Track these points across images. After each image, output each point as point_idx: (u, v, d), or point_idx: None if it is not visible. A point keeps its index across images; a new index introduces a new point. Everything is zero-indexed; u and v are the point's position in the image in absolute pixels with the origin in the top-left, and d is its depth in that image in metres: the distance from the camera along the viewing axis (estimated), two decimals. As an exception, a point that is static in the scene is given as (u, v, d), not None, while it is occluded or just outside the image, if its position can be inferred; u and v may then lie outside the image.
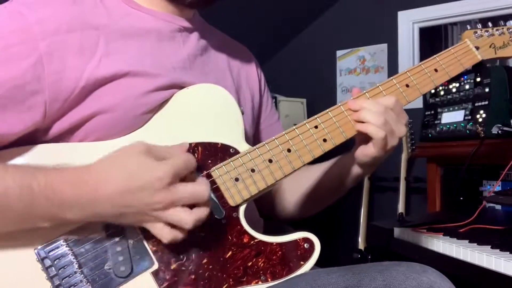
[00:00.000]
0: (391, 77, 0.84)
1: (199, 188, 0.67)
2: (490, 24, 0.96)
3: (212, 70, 0.87)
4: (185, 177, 0.68)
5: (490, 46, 0.94)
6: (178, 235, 0.67)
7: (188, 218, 0.66)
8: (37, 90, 0.69)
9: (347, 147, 0.86)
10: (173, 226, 0.67)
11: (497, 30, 0.95)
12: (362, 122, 0.79)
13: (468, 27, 0.95)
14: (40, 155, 0.72)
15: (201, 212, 0.67)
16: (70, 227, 0.69)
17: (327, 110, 0.81)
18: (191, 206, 0.67)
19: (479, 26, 0.96)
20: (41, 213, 0.65)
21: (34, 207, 0.65)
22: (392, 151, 0.81)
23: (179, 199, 0.65)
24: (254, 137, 0.96)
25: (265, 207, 0.98)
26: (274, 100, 2.48)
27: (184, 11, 0.84)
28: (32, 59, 0.69)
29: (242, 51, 0.99)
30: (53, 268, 0.67)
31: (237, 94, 0.91)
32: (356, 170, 0.87)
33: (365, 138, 0.79)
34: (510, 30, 0.95)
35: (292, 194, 0.99)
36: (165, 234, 0.67)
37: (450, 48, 0.90)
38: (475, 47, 0.92)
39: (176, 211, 0.66)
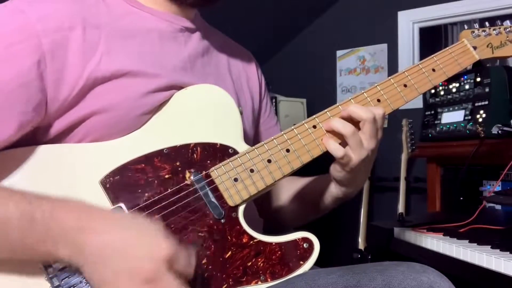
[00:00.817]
0: (389, 77, 0.84)
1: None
2: (487, 24, 0.96)
3: (213, 71, 0.87)
4: (177, 273, 0.64)
5: (487, 46, 0.94)
6: None
7: None
8: (40, 89, 0.69)
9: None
10: None
11: (494, 29, 0.95)
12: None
13: (466, 26, 0.96)
14: (41, 156, 0.71)
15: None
16: None
17: (326, 110, 0.81)
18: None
19: (477, 26, 0.96)
20: (35, 245, 0.63)
21: (29, 239, 0.62)
22: (366, 166, 0.80)
23: (161, 282, 0.61)
24: (254, 140, 0.96)
25: (262, 214, 0.98)
26: (274, 100, 2.48)
27: (186, 11, 0.84)
28: (35, 57, 0.68)
29: (243, 54, 0.99)
30: (52, 269, 0.67)
31: (237, 95, 0.91)
32: (333, 189, 0.86)
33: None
34: (507, 29, 0.96)
35: (284, 201, 0.99)
36: None
37: (447, 48, 0.91)
38: (473, 46, 0.92)
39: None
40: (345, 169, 0.80)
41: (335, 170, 0.82)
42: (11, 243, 0.63)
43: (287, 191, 0.97)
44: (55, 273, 0.67)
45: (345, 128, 0.77)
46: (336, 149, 0.77)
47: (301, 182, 0.96)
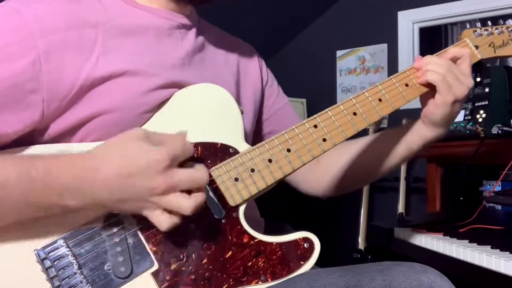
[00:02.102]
0: (390, 77, 0.84)
1: (197, 173, 0.67)
2: (489, 23, 0.96)
3: (211, 66, 0.87)
4: (183, 163, 0.67)
5: (489, 45, 0.93)
6: (177, 221, 0.66)
7: (188, 203, 0.65)
8: (35, 89, 0.69)
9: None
10: (171, 212, 0.66)
11: (496, 29, 0.95)
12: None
13: (468, 25, 0.95)
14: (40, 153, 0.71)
15: (200, 198, 0.67)
16: (69, 226, 0.69)
17: (327, 109, 0.81)
18: (189, 192, 0.67)
19: (479, 25, 0.96)
20: (40, 201, 0.65)
21: (33, 195, 0.64)
22: (461, 103, 0.85)
23: (177, 183, 0.65)
24: (260, 129, 0.96)
25: (291, 183, 0.97)
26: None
27: (182, 7, 0.84)
28: (30, 57, 0.68)
29: (240, 45, 0.99)
30: (53, 269, 0.67)
31: (237, 89, 0.91)
32: (424, 133, 0.89)
33: (425, 97, 0.85)
34: (510, 29, 0.95)
35: (327, 170, 0.99)
36: (164, 221, 0.66)
37: (449, 47, 0.90)
38: (475, 46, 0.92)
39: (176, 196, 0.65)
40: (448, 99, 0.83)
41: (436, 107, 0.84)
42: (15, 202, 0.64)
43: (340, 156, 0.97)
44: (56, 273, 0.67)
45: (442, 66, 0.83)
46: (435, 75, 0.83)
47: (362, 141, 0.96)
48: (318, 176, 0.99)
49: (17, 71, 0.68)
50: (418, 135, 0.90)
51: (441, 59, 0.85)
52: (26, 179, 0.64)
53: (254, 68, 0.98)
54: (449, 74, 0.83)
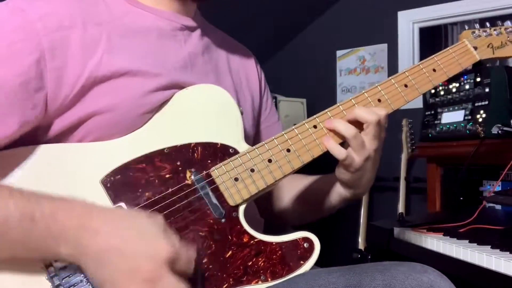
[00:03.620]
0: (390, 77, 0.84)
1: (181, 287, 0.64)
2: (488, 24, 0.96)
3: (212, 69, 0.87)
4: (178, 271, 0.64)
5: (488, 46, 0.94)
6: None
7: None
8: (40, 87, 0.69)
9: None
10: None
11: (494, 30, 0.96)
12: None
13: (466, 27, 0.96)
14: (39, 156, 0.71)
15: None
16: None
17: (326, 110, 0.81)
18: None
19: (477, 26, 0.96)
20: (36, 242, 0.63)
21: (30, 236, 0.63)
22: (371, 167, 0.80)
23: (162, 283, 0.61)
24: (254, 137, 0.96)
25: (264, 214, 0.98)
26: (274, 100, 2.48)
27: (186, 8, 0.84)
28: (35, 55, 0.69)
29: (243, 51, 0.99)
30: (53, 268, 0.67)
31: (237, 94, 0.91)
32: (339, 189, 0.86)
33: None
34: (508, 30, 0.96)
35: (286, 201, 0.98)
36: None
37: (448, 48, 0.91)
38: (473, 47, 0.92)
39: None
40: (350, 170, 0.79)
41: (339, 172, 0.82)
42: (11, 242, 0.63)
43: (291, 189, 0.97)
44: (56, 272, 0.67)
45: (347, 131, 0.77)
46: (337, 150, 0.78)
47: (305, 180, 0.95)
48: (274, 205, 0.99)
49: (23, 69, 0.68)
50: (335, 191, 0.87)
51: (348, 129, 0.77)
52: (27, 221, 0.62)
53: (254, 76, 0.99)
54: (354, 148, 0.77)
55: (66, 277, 0.67)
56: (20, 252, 0.65)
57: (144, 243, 0.63)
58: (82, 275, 0.67)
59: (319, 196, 0.90)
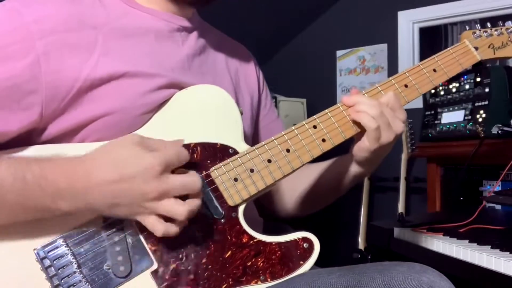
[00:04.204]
0: (390, 78, 0.84)
1: (190, 178, 0.67)
2: (489, 24, 0.96)
3: (210, 70, 0.87)
4: (177, 170, 0.68)
5: (489, 47, 0.94)
6: (172, 228, 0.66)
7: (181, 209, 0.65)
8: (34, 90, 0.69)
9: (347, 148, 0.86)
10: (166, 219, 0.66)
11: (495, 30, 0.96)
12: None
13: (467, 27, 0.96)
14: (43, 155, 0.71)
15: (194, 204, 0.67)
16: (68, 226, 0.69)
17: (326, 110, 0.81)
18: (183, 198, 0.67)
19: (478, 26, 0.96)
20: (34, 204, 0.65)
21: (27, 198, 0.65)
22: (389, 148, 0.81)
23: (170, 188, 0.65)
24: (253, 137, 0.96)
25: (265, 206, 0.98)
26: (274, 100, 2.48)
27: (184, 10, 0.84)
28: (29, 58, 0.69)
29: (240, 50, 0.99)
30: (52, 268, 0.67)
31: (235, 93, 0.91)
32: (354, 168, 0.87)
33: (362, 134, 0.80)
34: (509, 30, 0.96)
35: (291, 193, 0.99)
36: (158, 227, 0.66)
37: (448, 48, 0.91)
38: (474, 47, 0.92)
39: (169, 202, 0.65)
40: (375, 144, 0.79)
41: (358, 148, 0.82)
42: (10, 205, 0.65)
43: (306, 177, 0.96)
44: (56, 273, 0.67)
45: (372, 110, 0.78)
46: (370, 119, 0.78)
47: (319, 167, 0.95)
48: (287, 196, 1.00)
49: (16, 72, 0.68)
50: (350, 171, 0.88)
51: (373, 100, 0.79)
52: (20, 182, 0.64)
53: (252, 75, 0.99)
54: (382, 117, 0.78)
55: (65, 277, 0.67)
56: (21, 214, 0.66)
57: (133, 170, 0.64)
58: (81, 275, 0.67)
59: (336, 178, 0.91)
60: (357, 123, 0.81)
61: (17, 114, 0.69)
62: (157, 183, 0.64)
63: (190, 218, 0.67)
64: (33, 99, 0.70)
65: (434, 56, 0.89)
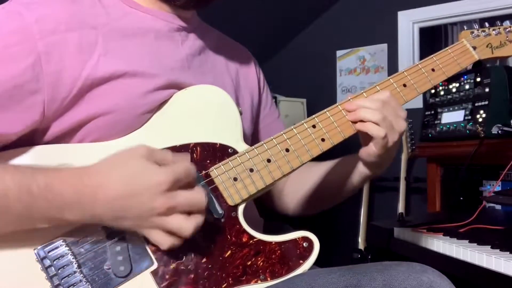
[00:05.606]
0: (388, 77, 0.84)
1: (197, 195, 0.67)
2: (487, 24, 0.97)
3: (210, 70, 0.87)
4: (184, 185, 0.67)
5: (487, 46, 0.94)
6: (177, 241, 0.67)
7: (188, 225, 0.66)
8: (35, 90, 0.69)
9: (347, 146, 0.86)
10: (171, 233, 0.66)
11: (493, 30, 0.96)
12: (361, 121, 0.79)
13: (465, 27, 0.96)
14: (39, 156, 0.72)
15: (199, 220, 0.67)
16: (69, 227, 0.69)
17: (325, 109, 0.81)
18: (188, 213, 0.67)
19: (476, 26, 0.96)
20: (40, 214, 0.65)
21: (33, 209, 0.64)
22: (396, 147, 0.81)
23: (177, 204, 0.65)
24: (253, 136, 0.96)
25: (267, 205, 0.98)
26: (274, 100, 2.48)
27: (180, 11, 0.84)
28: (30, 59, 0.69)
29: (241, 51, 0.99)
30: (53, 268, 0.67)
31: (236, 93, 0.91)
32: (363, 169, 0.86)
33: (367, 137, 0.79)
34: (507, 29, 0.96)
35: (294, 192, 0.98)
36: (164, 241, 0.67)
37: (447, 48, 0.91)
38: (472, 47, 0.93)
39: (176, 218, 0.65)
40: (383, 149, 0.79)
41: (366, 154, 0.81)
42: (16, 214, 0.65)
43: (310, 177, 0.96)
44: (56, 272, 0.67)
45: (375, 115, 0.77)
46: (376, 128, 0.78)
47: (324, 166, 0.94)
48: (290, 197, 1.00)
49: (18, 72, 0.68)
50: (357, 172, 0.87)
51: (374, 102, 0.78)
52: (26, 194, 0.64)
53: (252, 74, 0.99)
54: (386, 121, 0.78)
55: (65, 276, 0.67)
56: (27, 224, 0.66)
57: (140, 184, 0.64)
58: (81, 275, 0.67)
59: (341, 178, 0.90)
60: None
61: (20, 115, 0.69)
62: (164, 199, 0.64)
63: (195, 233, 0.67)
64: (35, 99, 0.70)
65: (432, 55, 0.89)
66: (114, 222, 0.66)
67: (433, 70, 0.87)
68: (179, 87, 0.79)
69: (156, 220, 0.65)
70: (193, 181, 0.68)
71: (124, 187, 0.64)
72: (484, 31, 0.95)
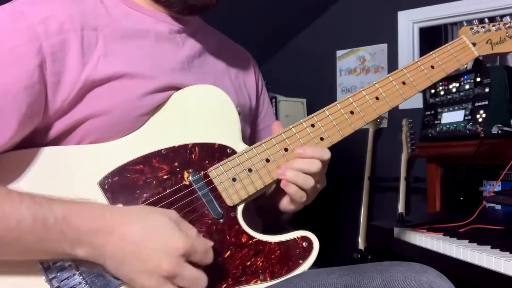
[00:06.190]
0: (388, 75, 0.84)
1: (202, 278, 0.66)
2: (486, 20, 0.95)
3: (210, 71, 0.87)
4: (195, 262, 0.66)
5: (486, 42, 0.93)
6: None
7: None
8: (41, 91, 0.69)
9: (346, 145, 0.85)
10: None
11: (493, 25, 0.94)
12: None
13: (465, 23, 0.95)
14: (39, 158, 0.71)
15: None
16: None
17: (324, 108, 0.81)
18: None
19: (476, 22, 0.95)
20: (51, 247, 0.64)
21: (45, 241, 0.64)
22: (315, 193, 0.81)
23: (181, 276, 0.64)
24: (251, 139, 0.95)
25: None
26: (274, 100, 2.48)
27: (179, 14, 0.84)
28: (37, 59, 0.69)
29: (241, 53, 0.99)
30: (52, 271, 0.67)
31: (236, 95, 0.90)
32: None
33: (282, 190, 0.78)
34: (507, 25, 0.94)
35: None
36: None
37: (446, 44, 0.90)
38: (472, 43, 0.91)
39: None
40: (297, 204, 0.79)
41: (284, 205, 0.80)
42: (27, 246, 0.64)
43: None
44: (55, 275, 0.67)
45: (298, 179, 0.76)
46: (296, 192, 0.76)
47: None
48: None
49: (27, 73, 0.68)
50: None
51: (299, 178, 0.76)
52: (41, 225, 0.63)
53: (251, 77, 0.99)
54: (300, 181, 0.76)
55: (65, 279, 0.67)
56: (36, 255, 0.65)
57: (158, 240, 0.64)
58: (81, 276, 0.67)
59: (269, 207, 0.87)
60: (355, 122, 0.80)
61: (28, 116, 0.69)
62: (173, 263, 0.63)
63: None
64: (41, 100, 0.70)
65: (431, 52, 0.88)
66: (117, 264, 0.65)
67: (432, 67, 0.87)
68: (178, 88, 0.79)
69: (154, 280, 0.64)
70: (205, 262, 0.67)
71: (142, 234, 0.64)
72: (483, 27, 0.93)
